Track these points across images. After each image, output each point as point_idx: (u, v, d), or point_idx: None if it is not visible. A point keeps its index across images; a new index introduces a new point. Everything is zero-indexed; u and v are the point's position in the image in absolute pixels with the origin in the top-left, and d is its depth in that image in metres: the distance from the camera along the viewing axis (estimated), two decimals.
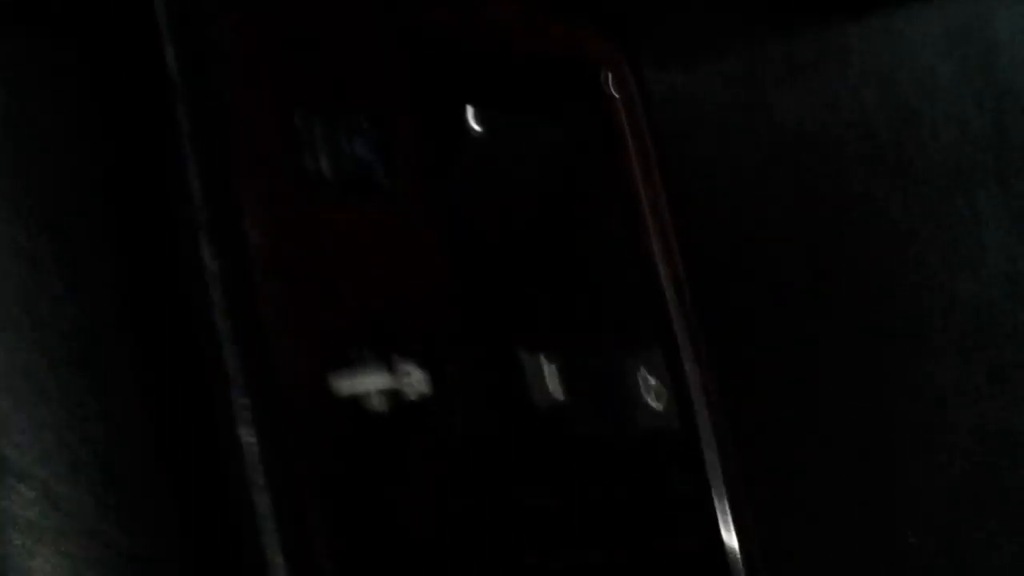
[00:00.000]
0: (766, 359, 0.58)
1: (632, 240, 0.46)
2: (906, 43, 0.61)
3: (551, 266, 0.44)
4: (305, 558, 0.34)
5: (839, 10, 0.64)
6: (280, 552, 0.34)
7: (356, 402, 0.36)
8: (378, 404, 0.37)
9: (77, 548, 0.33)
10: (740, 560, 0.45)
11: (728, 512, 0.45)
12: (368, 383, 0.37)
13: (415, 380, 0.37)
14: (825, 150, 0.61)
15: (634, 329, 0.46)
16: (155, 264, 0.35)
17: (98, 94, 0.35)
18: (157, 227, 0.35)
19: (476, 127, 0.42)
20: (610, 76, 0.47)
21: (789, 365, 0.59)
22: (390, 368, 0.37)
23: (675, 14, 0.57)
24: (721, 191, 0.60)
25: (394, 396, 0.37)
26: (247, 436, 0.34)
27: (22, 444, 0.33)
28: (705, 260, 0.49)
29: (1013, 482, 0.57)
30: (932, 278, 0.59)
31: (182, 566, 0.34)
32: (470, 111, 0.42)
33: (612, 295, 0.46)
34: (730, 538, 0.45)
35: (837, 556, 0.57)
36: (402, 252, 0.39)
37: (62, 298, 0.34)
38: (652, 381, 0.45)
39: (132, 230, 0.35)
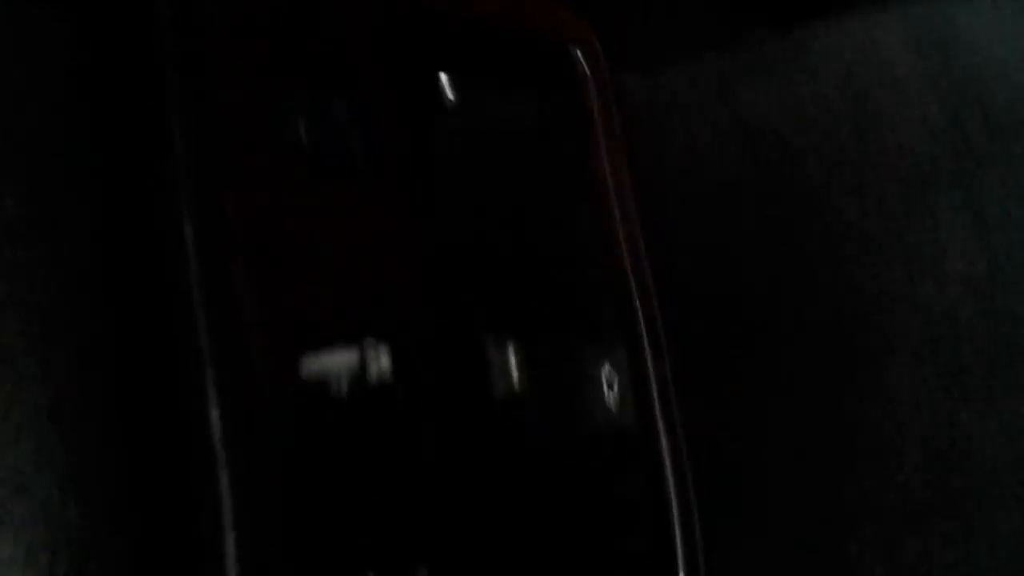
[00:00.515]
0: (723, 359, 0.59)
1: (599, 228, 0.47)
2: (869, 42, 0.62)
3: (518, 252, 0.44)
4: (260, 537, 0.34)
5: (803, 11, 0.64)
6: (234, 530, 0.34)
7: (323, 382, 0.37)
8: (345, 385, 0.37)
9: (37, 536, 0.33)
10: (683, 563, 0.45)
11: (676, 514, 0.45)
12: (336, 363, 0.37)
13: (382, 363, 0.38)
14: (790, 150, 0.61)
15: (598, 323, 0.46)
16: (134, 235, 0.35)
17: (86, 65, 0.35)
18: (139, 196, 0.35)
19: (451, 99, 0.42)
20: (581, 54, 0.47)
21: (746, 365, 0.59)
22: (359, 350, 0.37)
23: (641, 15, 0.58)
24: (686, 190, 0.61)
25: (361, 378, 0.37)
26: (213, 410, 0.34)
27: None
28: (668, 258, 0.49)
29: (957, 483, 0.57)
30: (891, 281, 0.59)
31: (136, 549, 0.34)
32: (445, 82, 0.42)
33: (578, 286, 0.46)
34: (676, 540, 0.45)
35: (783, 561, 0.58)
36: (376, 233, 0.39)
37: (37, 270, 0.34)
38: (613, 377, 0.45)
39: (114, 199, 0.35)
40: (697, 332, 0.50)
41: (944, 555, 0.56)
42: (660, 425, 0.45)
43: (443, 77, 0.42)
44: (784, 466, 0.57)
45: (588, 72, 0.48)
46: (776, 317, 0.59)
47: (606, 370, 0.45)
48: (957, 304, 0.58)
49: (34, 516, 0.33)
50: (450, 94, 0.43)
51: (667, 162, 0.59)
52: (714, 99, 0.62)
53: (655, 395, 0.46)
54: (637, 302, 0.47)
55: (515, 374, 0.41)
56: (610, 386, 0.45)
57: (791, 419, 0.57)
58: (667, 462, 0.45)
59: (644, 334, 0.46)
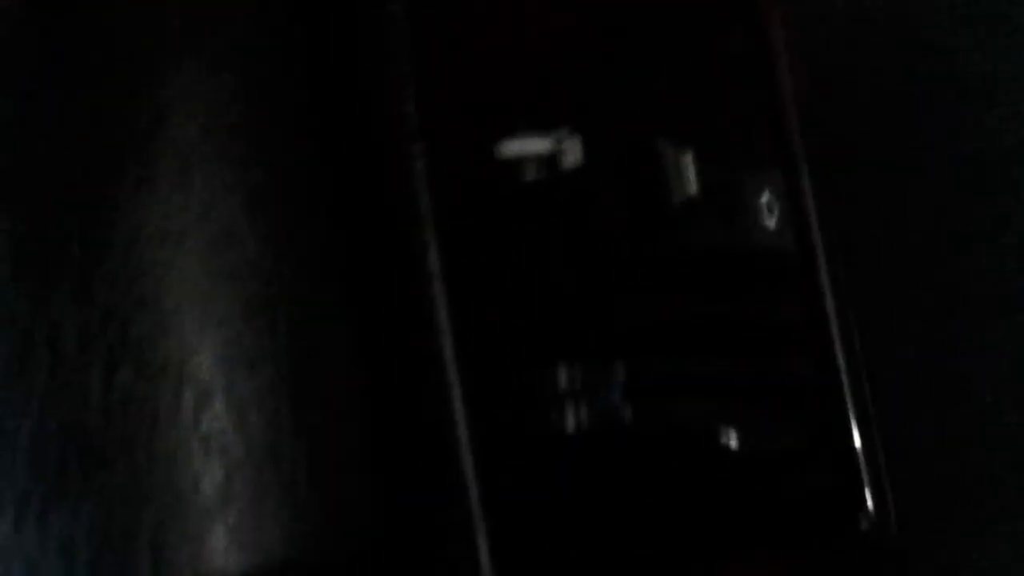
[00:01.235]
0: (852, 218, 0.58)
1: (759, 59, 0.47)
2: None
3: (688, 70, 0.44)
4: (468, 318, 0.35)
5: None
6: (445, 308, 0.34)
7: (518, 165, 0.37)
8: (537, 169, 0.38)
9: (253, 290, 0.34)
10: (849, 387, 0.46)
11: (839, 341, 0.46)
12: (529, 147, 0.37)
13: (572, 149, 0.38)
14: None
15: (759, 148, 0.46)
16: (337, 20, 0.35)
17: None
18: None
19: None
20: None
21: (874, 226, 0.59)
22: (555, 138, 0.38)
23: None
24: (809, 39, 0.60)
25: (551, 162, 0.38)
26: (422, 193, 0.35)
27: (208, 178, 0.34)
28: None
29: None
30: (1021, 144, 0.59)
31: (346, 317, 0.34)
32: None
33: (741, 112, 0.46)
34: (841, 364, 0.46)
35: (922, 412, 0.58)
36: (564, 33, 0.40)
37: (253, 36, 0.34)
38: (772, 200, 0.46)
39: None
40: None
41: None
42: (819, 252, 0.46)
43: None
44: (913, 318, 0.57)
45: None
46: (896, 176, 0.59)
47: (766, 197, 0.45)
48: None
49: (244, 268, 0.34)
50: None
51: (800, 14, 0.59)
52: None
53: (814, 224, 0.46)
54: (795, 134, 0.47)
55: (690, 182, 0.41)
56: (770, 212, 0.45)
57: (914, 270, 0.57)
58: (827, 290, 0.45)
59: (802, 165, 0.46)
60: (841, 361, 0.45)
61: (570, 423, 0.36)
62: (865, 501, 0.45)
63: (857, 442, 0.45)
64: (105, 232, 0.33)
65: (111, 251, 0.33)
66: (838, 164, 0.55)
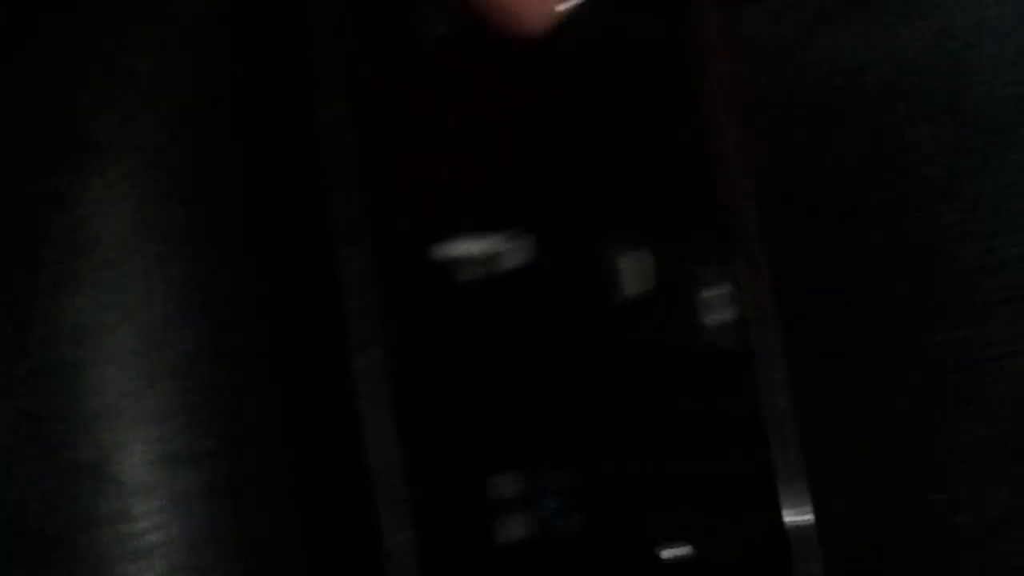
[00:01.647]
0: (799, 279, 0.58)
1: (708, 149, 0.46)
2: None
3: (638, 163, 0.44)
4: (408, 422, 0.33)
5: None
6: (386, 398, 0.33)
7: (453, 266, 0.36)
8: (473, 270, 0.37)
9: (181, 390, 0.32)
10: (790, 492, 0.45)
11: (780, 436, 0.45)
12: (471, 248, 0.36)
13: (516, 250, 0.37)
14: (875, 91, 0.61)
15: (706, 240, 0.46)
16: (278, 115, 0.34)
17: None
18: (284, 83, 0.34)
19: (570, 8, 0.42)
20: None
21: (820, 292, 0.58)
22: (500, 237, 0.37)
23: None
24: (767, 127, 0.60)
25: (493, 263, 0.37)
26: (358, 294, 0.34)
27: (131, 279, 0.33)
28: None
29: None
30: (972, 230, 0.59)
31: (280, 415, 0.33)
32: None
33: (689, 202, 0.46)
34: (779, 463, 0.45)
35: (868, 500, 0.57)
36: (511, 129, 0.39)
37: (186, 140, 0.33)
38: (724, 294, 0.45)
39: (258, 86, 0.34)
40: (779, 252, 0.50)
41: None
42: (768, 350, 0.45)
43: None
44: (869, 410, 0.57)
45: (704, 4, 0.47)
46: (856, 263, 0.59)
47: (716, 287, 0.45)
48: None
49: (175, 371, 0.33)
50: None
51: (756, 94, 0.59)
52: (798, 40, 0.62)
53: (760, 316, 0.45)
54: (750, 225, 0.46)
55: (640, 279, 0.41)
56: (722, 306, 0.45)
57: (873, 365, 0.57)
58: (774, 387, 0.45)
59: (755, 257, 0.46)
60: (784, 459, 0.45)
61: (512, 532, 0.35)
62: None
63: (797, 545, 0.44)
64: (21, 332, 0.32)
65: (28, 351, 0.32)
66: (793, 254, 0.54)
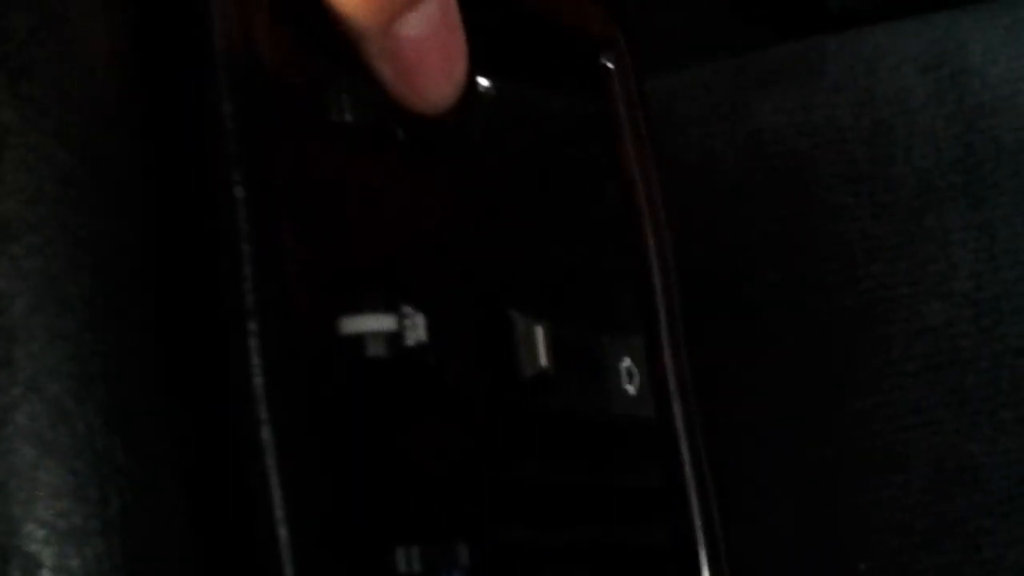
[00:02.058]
0: (726, 372, 0.59)
1: (624, 219, 0.47)
2: (882, 60, 0.62)
3: (545, 237, 0.44)
4: (304, 490, 0.34)
5: (818, 25, 0.65)
6: (278, 475, 0.34)
7: (360, 342, 0.37)
8: (380, 346, 0.37)
9: (83, 465, 0.33)
10: (707, 565, 0.45)
11: (697, 511, 0.46)
12: (372, 324, 0.37)
13: (416, 326, 0.38)
14: (802, 162, 0.62)
15: (620, 315, 0.46)
16: (183, 191, 0.35)
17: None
18: (189, 160, 0.35)
19: (486, 85, 0.43)
20: (610, 53, 0.48)
21: (750, 380, 0.59)
22: (397, 316, 0.38)
23: (658, 22, 0.58)
24: (696, 195, 0.61)
25: (395, 340, 0.38)
26: (256, 369, 0.35)
27: (35, 354, 0.33)
28: (680, 258, 0.50)
29: (967, 509, 0.57)
30: (898, 296, 0.60)
31: (179, 492, 0.34)
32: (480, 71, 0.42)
33: (601, 275, 0.46)
34: (698, 534, 0.45)
35: (793, 572, 0.58)
36: (415, 208, 0.40)
37: (93, 214, 0.34)
38: (632, 366, 0.46)
39: (165, 160, 0.35)
40: (703, 336, 0.51)
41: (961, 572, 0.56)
42: (679, 422, 0.46)
43: (481, 62, 0.43)
44: (791, 477, 0.58)
45: (616, 74, 0.48)
46: (782, 325, 0.60)
47: (626, 362, 0.46)
48: (962, 328, 0.58)
49: (78, 446, 0.33)
50: (485, 82, 0.44)
51: (679, 167, 0.60)
52: (728, 109, 0.63)
53: (675, 390, 0.46)
54: (660, 296, 0.47)
55: (542, 354, 0.41)
56: (630, 378, 0.46)
57: (795, 428, 0.58)
58: (686, 459, 0.45)
59: (665, 329, 0.47)
60: (699, 528, 0.45)
61: None
62: None
63: None
64: None
65: None
66: (710, 317, 0.55)
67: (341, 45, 0.39)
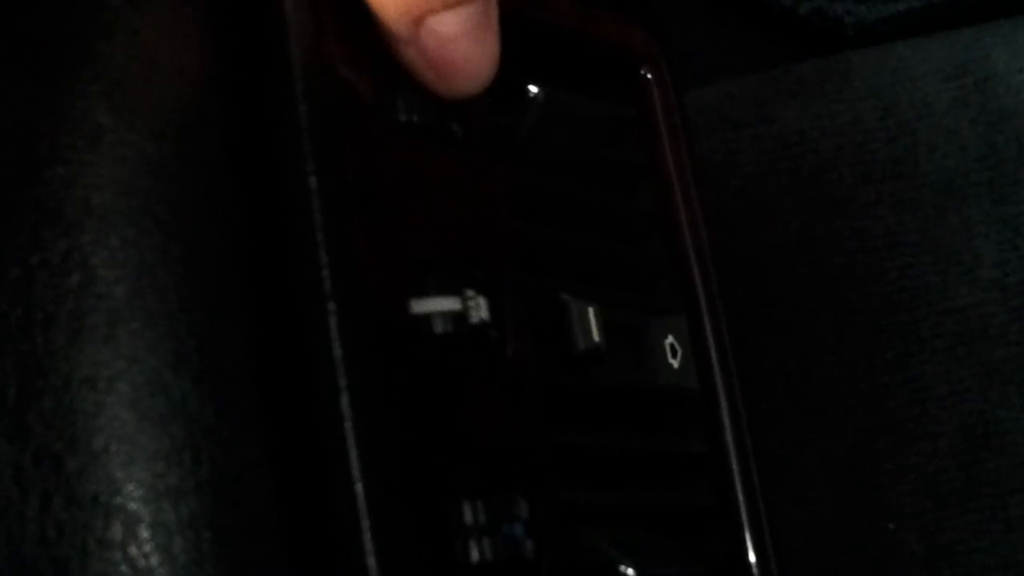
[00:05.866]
0: (763, 356, 0.62)
1: (664, 212, 0.50)
2: (906, 72, 0.65)
3: (590, 230, 0.48)
4: (379, 457, 0.37)
5: (843, 40, 0.67)
6: (356, 448, 0.37)
7: (428, 321, 0.40)
8: (447, 324, 0.41)
9: (179, 430, 0.36)
10: (748, 523, 0.48)
11: (738, 478, 0.48)
12: (439, 305, 0.41)
13: (479, 307, 0.41)
14: (826, 166, 0.64)
15: (663, 297, 0.49)
16: (263, 185, 0.38)
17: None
18: (268, 157, 0.39)
19: (536, 93, 0.46)
20: (649, 66, 0.51)
21: (784, 361, 0.62)
22: (458, 295, 0.41)
23: (687, 45, 0.61)
24: (725, 197, 0.64)
25: (460, 318, 0.41)
26: (335, 343, 0.38)
27: (136, 332, 0.37)
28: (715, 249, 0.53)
29: (993, 472, 0.60)
30: (925, 284, 0.62)
31: (265, 454, 0.37)
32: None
33: (643, 265, 0.49)
34: (739, 494, 0.48)
35: (822, 541, 0.60)
36: (472, 199, 0.43)
37: (182, 206, 0.37)
38: (675, 343, 0.49)
39: (246, 157, 0.38)
40: (738, 332, 0.54)
41: (980, 540, 0.58)
42: (721, 391, 0.49)
43: (530, 73, 0.46)
44: (825, 445, 0.60)
45: (654, 84, 0.52)
46: (812, 317, 0.62)
47: (670, 339, 0.49)
48: (990, 308, 0.61)
49: (174, 413, 0.37)
50: (538, 87, 0.47)
51: (709, 169, 0.63)
52: (753, 115, 0.65)
53: (715, 362, 0.49)
54: (699, 281, 0.50)
55: (595, 330, 0.45)
56: (674, 353, 0.49)
57: (829, 401, 0.60)
58: (727, 425, 0.48)
59: (706, 308, 0.50)
60: (740, 488, 0.48)
61: (473, 556, 0.39)
62: None
63: (756, 573, 0.48)
64: (40, 378, 0.36)
65: (45, 395, 0.36)
66: (745, 307, 0.58)
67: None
